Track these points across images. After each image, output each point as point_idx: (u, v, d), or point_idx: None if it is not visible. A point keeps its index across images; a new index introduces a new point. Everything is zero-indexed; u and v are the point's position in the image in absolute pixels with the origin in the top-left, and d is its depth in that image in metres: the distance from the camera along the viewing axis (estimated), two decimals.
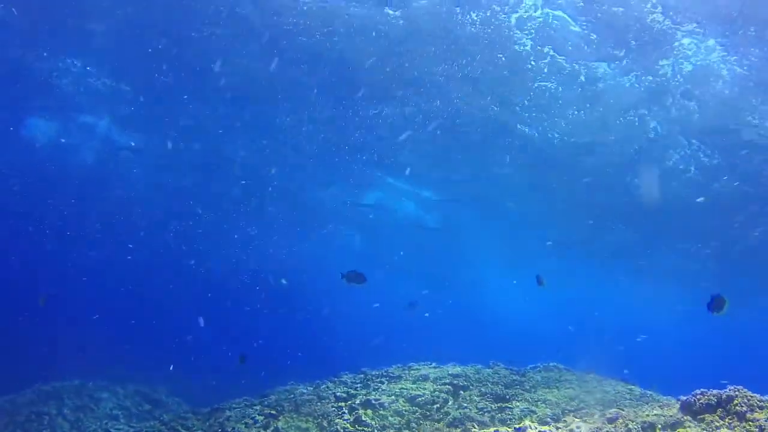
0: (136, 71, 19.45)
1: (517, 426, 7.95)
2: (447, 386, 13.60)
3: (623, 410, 9.52)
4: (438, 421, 12.76)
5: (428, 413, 12.99)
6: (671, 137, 19.41)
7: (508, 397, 12.96)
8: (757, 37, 14.07)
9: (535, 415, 12.08)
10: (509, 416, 12.21)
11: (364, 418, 13.26)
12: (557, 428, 8.26)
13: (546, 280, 17.08)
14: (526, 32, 15.42)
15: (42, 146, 25.78)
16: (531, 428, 7.68)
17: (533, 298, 52.24)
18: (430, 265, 47.84)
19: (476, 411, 12.62)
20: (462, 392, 13.41)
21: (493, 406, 12.69)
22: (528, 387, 13.53)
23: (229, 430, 15.01)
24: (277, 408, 14.88)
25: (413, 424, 12.87)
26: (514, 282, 48.89)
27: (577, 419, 8.93)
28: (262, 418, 14.82)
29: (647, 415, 8.31)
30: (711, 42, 14.54)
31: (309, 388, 15.52)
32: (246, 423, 14.90)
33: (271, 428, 14.10)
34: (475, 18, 14.96)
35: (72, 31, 17.47)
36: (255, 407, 16.29)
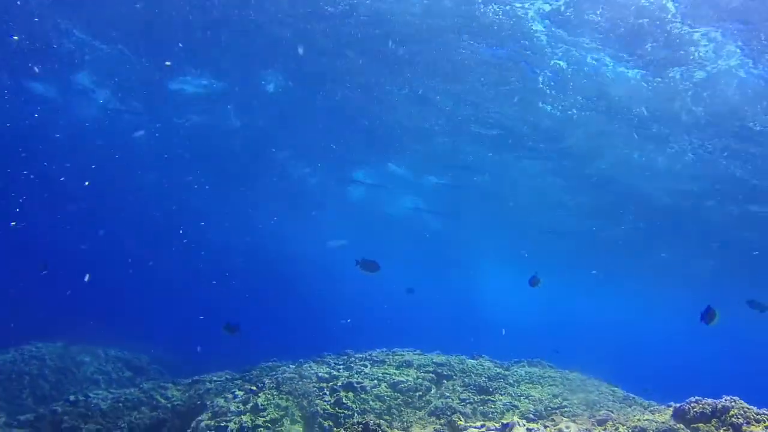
0: (140, 39, 19.06)
1: (504, 422, 7.77)
2: (430, 374, 13.48)
3: (613, 412, 9.36)
4: (419, 409, 12.65)
5: (410, 400, 12.88)
6: (674, 134, 19.30)
7: (491, 390, 12.84)
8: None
9: (518, 410, 11.96)
10: (491, 409, 12.09)
11: (345, 401, 13.13)
12: (545, 426, 8.09)
13: (542, 280, 16.65)
14: (543, 25, 15.24)
15: (41, 111, 25.38)
16: (518, 425, 7.50)
17: (529, 295, 52.34)
18: (428, 254, 47.82)
19: (459, 402, 12.49)
20: (445, 381, 13.28)
21: (475, 398, 12.57)
22: (511, 381, 13.41)
23: (208, 403, 14.87)
24: (257, 384, 14.74)
25: (394, 411, 12.76)
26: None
27: (565, 419, 8.78)
28: (242, 393, 14.67)
29: (638, 420, 8.15)
30: (732, 47, 14.30)
31: (291, 366, 15.39)
32: (225, 397, 14.76)
33: (251, 404, 13.95)
34: (497, 9, 14.79)
35: None
36: (236, 381, 16.18)
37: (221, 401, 14.61)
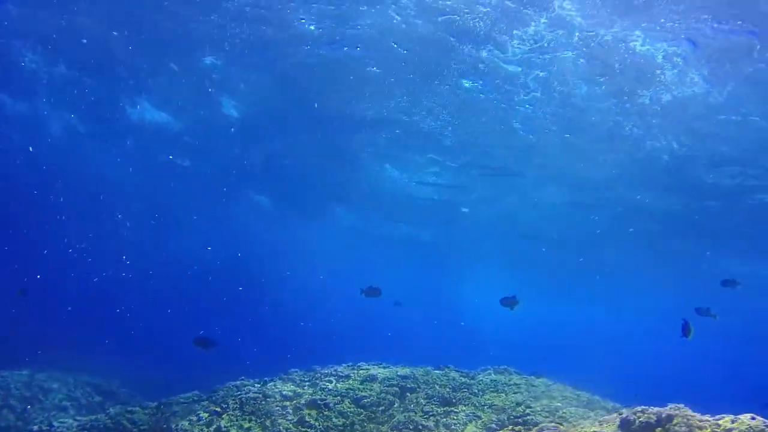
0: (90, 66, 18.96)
1: None
2: (394, 388, 13.26)
3: (562, 425, 9.17)
4: (382, 424, 12.42)
5: (373, 415, 12.65)
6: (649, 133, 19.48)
7: (454, 401, 12.64)
8: (733, 72, 14.61)
9: (480, 421, 11.78)
10: (454, 421, 11.89)
11: (307, 419, 12.89)
12: None
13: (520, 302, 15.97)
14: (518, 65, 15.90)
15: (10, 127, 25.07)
16: None
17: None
18: (417, 265, 47.57)
19: (421, 415, 12.28)
20: (409, 394, 13.06)
21: (439, 410, 12.37)
22: (476, 391, 13.20)
23: (174, 426, 14.58)
24: (222, 405, 14.45)
25: (357, 426, 12.52)
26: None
27: None
28: (206, 415, 14.40)
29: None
30: (694, 76, 14.96)
31: (257, 385, 15.09)
32: (190, 420, 14.47)
33: (214, 426, 13.70)
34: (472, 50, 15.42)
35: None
36: (202, 403, 15.82)
37: (186, 424, 14.33)
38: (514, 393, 13.03)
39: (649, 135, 19.27)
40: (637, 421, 7.19)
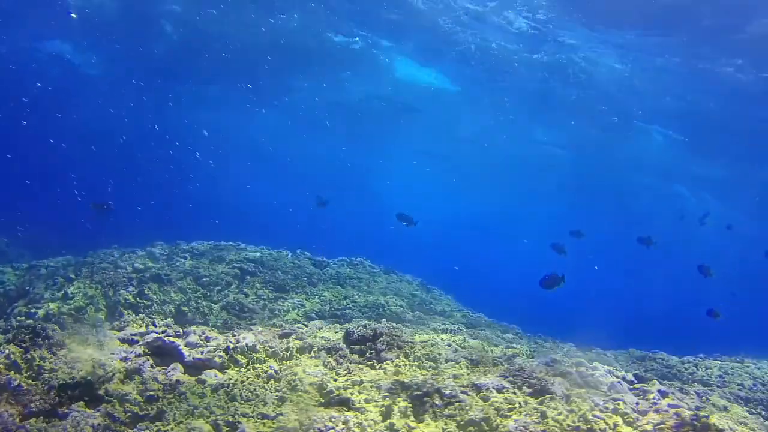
0: None
1: (184, 329, 7.55)
2: (236, 270, 13.22)
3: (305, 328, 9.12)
4: (215, 303, 12.50)
5: (209, 294, 12.70)
6: None
7: (288, 288, 12.65)
8: None
9: (303, 309, 11.85)
10: (280, 307, 11.97)
11: (147, 292, 12.94)
12: (223, 334, 7.86)
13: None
14: None
15: None
16: (194, 333, 7.27)
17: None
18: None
19: (253, 298, 12.34)
20: (249, 278, 13.06)
21: (270, 295, 12.43)
22: (315, 281, 13.21)
23: (31, 289, 14.66)
24: (76, 272, 14.45)
25: (192, 303, 12.60)
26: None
27: (242, 331, 8.40)
28: (62, 280, 14.44)
29: (315, 336, 7.95)
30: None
31: (116, 255, 15.04)
32: (47, 284, 14.52)
33: (62, 291, 13.72)
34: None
35: None
36: (68, 268, 15.85)
37: (41, 287, 14.42)
38: (352, 287, 13.06)
39: None
40: (355, 333, 7.33)
